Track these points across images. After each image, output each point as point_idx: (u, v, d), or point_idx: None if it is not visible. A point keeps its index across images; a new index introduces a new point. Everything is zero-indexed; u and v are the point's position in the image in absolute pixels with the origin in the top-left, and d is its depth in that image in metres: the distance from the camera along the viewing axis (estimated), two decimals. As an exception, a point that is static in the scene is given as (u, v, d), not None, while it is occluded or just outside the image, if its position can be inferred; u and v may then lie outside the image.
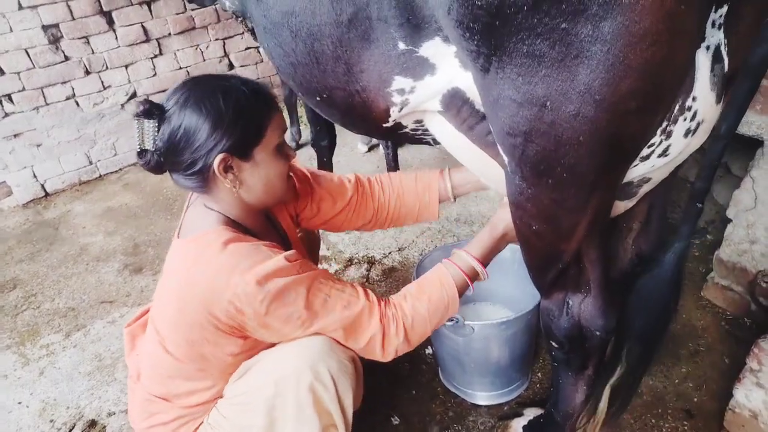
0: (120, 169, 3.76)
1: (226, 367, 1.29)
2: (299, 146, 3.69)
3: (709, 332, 1.99)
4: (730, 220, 1.91)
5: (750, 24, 0.96)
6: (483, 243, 1.38)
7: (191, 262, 1.18)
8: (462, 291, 1.33)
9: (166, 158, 1.18)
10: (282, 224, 1.50)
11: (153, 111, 1.14)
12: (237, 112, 1.16)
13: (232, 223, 1.26)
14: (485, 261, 1.37)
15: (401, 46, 1.08)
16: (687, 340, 1.96)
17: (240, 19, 2.92)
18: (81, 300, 2.58)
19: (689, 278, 2.21)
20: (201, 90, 1.16)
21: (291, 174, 1.36)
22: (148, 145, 1.17)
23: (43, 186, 3.51)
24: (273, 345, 1.28)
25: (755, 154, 1.75)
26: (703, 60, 0.93)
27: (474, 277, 1.35)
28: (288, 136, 3.45)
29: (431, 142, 1.44)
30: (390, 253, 2.64)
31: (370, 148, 3.53)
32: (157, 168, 1.20)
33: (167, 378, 1.31)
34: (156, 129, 1.15)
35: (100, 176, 3.71)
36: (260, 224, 1.37)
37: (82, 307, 2.53)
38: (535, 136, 0.93)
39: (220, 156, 1.15)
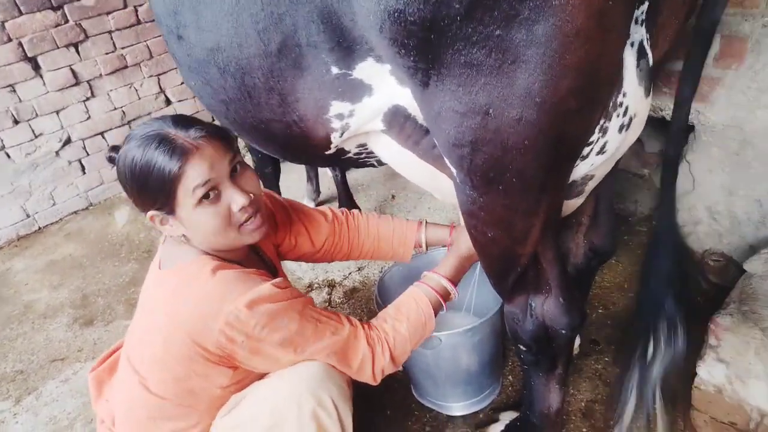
0: (60, 219, 3.59)
1: (213, 400, 1.24)
2: (318, 204, 3.38)
3: (666, 315, 2.04)
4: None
5: (667, 18, 1.01)
6: (451, 263, 1.42)
7: (177, 292, 1.16)
8: (436, 310, 1.35)
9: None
10: (266, 253, 1.48)
11: (113, 157, 1.19)
12: (145, 174, 1.11)
13: (211, 254, 1.23)
14: (454, 280, 1.41)
15: (334, 70, 1.07)
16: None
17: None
18: (29, 361, 2.43)
19: (638, 265, 2.28)
20: (128, 146, 1.15)
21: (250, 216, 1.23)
22: None
23: (-23, 245, 3.32)
24: (263, 376, 1.25)
25: (688, 138, 1.83)
26: (628, 56, 0.97)
27: (446, 296, 1.38)
28: (306, 191, 3.27)
29: (375, 164, 1.44)
30: (350, 274, 2.61)
31: (318, 204, 3.37)
32: None
33: (148, 420, 1.25)
34: None
35: (40, 228, 3.53)
36: (243, 254, 1.33)
37: (32, 368, 2.39)
38: (482, 145, 0.94)
39: (149, 213, 1.17)
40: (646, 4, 0.94)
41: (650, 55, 1.01)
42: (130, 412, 1.28)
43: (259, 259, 1.43)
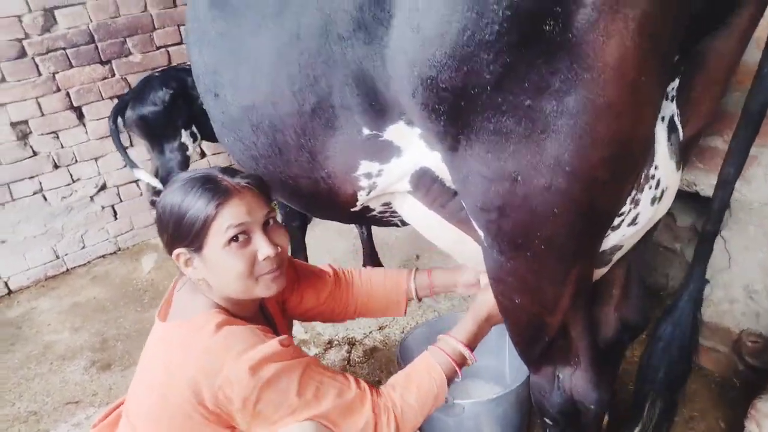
0: (88, 262, 3.65)
1: None
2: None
3: (700, 396, 1.95)
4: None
5: (700, 94, 1.01)
6: (468, 327, 1.36)
7: (180, 346, 1.15)
8: (450, 378, 1.30)
9: None
10: (270, 310, 1.47)
11: (154, 201, 1.23)
12: (184, 208, 1.16)
13: (222, 309, 1.23)
14: (471, 345, 1.34)
15: (365, 131, 1.10)
16: (679, 407, 1.91)
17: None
18: (44, 402, 2.42)
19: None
20: (169, 190, 1.20)
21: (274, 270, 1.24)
22: None
23: (6, 283, 3.37)
24: None
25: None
26: (660, 131, 0.97)
27: (462, 362, 1.32)
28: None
29: (398, 223, 1.44)
30: (371, 332, 2.57)
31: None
32: None
33: None
34: None
35: (67, 270, 3.59)
36: (253, 311, 1.34)
37: (45, 410, 2.37)
38: (510, 210, 0.93)
39: (176, 251, 1.19)
40: (677, 81, 0.95)
41: (681, 130, 1.01)
42: None
43: (263, 315, 1.42)
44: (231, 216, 1.16)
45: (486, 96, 0.82)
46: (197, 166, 3.21)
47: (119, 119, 3.06)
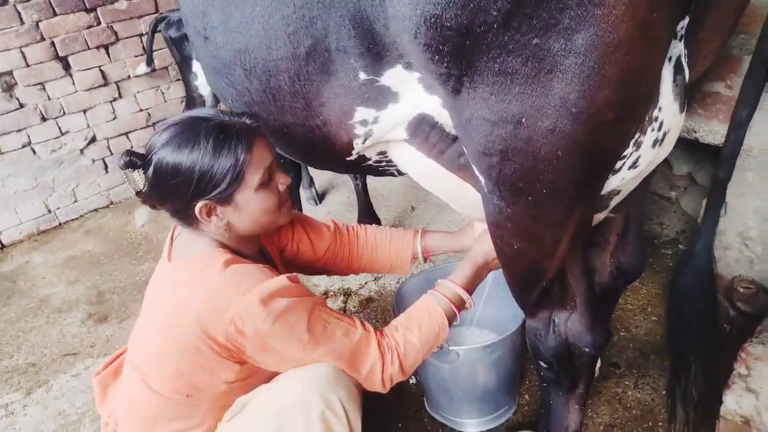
0: (81, 216, 3.63)
1: (218, 398, 1.23)
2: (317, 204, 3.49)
3: (690, 342, 1.99)
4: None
5: (708, 35, 0.98)
6: (466, 271, 1.37)
7: (189, 283, 1.16)
8: (450, 320, 1.32)
9: (154, 202, 1.21)
10: (271, 255, 1.48)
11: (134, 161, 1.17)
12: (209, 162, 1.13)
13: (226, 248, 1.24)
14: (469, 289, 1.36)
15: (362, 76, 1.07)
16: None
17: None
18: (42, 354, 2.44)
19: (666, 288, 2.23)
20: (176, 140, 1.14)
21: (287, 200, 1.31)
22: (140, 188, 1.19)
23: (-2, 238, 3.36)
24: (270, 375, 1.24)
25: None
26: (666, 71, 0.95)
27: (460, 305, 1.34)
28: (306, 196, 3.35)
29: (395, 173, 1.42)
30: (366, 283, 2.59)
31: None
32: (152, 207, 1.24)
33: (150, 420, 1.24)
34: (142, 175, 1.18)
35: (60, 224, 3.57)
36: (255, 251, 1.35)
37: (44, 361, 2.39)
38: (512, 154, 0.92)
39: (200, 204, 1.16)
40: (687, 19, 0.92)
41: (687, 71, 0.99)
42: (133, 411, 1.27)
43: (265, 259, 1.43)
44: (260, 160, 1.18)
45: (492, 35, 0.80)
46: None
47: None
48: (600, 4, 0.72)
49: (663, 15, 0.77)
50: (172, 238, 1.31)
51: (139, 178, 1.17)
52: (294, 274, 1.22)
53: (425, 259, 1.62)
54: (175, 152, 1.13)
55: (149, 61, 3.31)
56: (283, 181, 1.25)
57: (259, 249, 1.39)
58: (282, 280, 1.15)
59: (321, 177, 3.61)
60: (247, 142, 1.16)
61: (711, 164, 2.37)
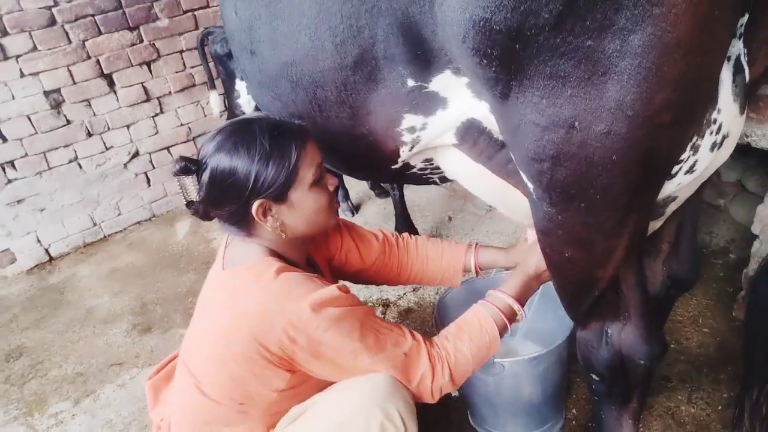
0: (124, 229, 3.73)
1: (270, 405, 1.23)
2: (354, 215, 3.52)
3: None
4: (755, 237, 1.86)
5: (768, 33, 0.94)
6: (517, 282, 1.34)
7: (242, 291, 1.16)
8: (502, 332, 1.28)
9: (210, 207, 1.21)
10: (319, 265, 1.48)
11: (189, 167, 1.18)
12: (265, 159, 1.14)
13: (277, 256, 1.25)
14: (521, 300, 1.32)
15: (410, 83, 1.06)
16: (725, 364, 1.88)
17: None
18: (89, 365, 2.50)
19: (718, 299, 2.15)
20: (231, 141, 1.16)
21: (336, 202, 1.33)
22: (193, 197, 1.20)
23: (47, 250, 3.47)
24: (321, 384, 1.23)
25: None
26: (725, 71, 0.91)
27: (511, 316, 1.30)
28: (342, 208, 3.38)
29: (437, 181, 1.41)
30: (405, 294, 2.58)
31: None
32: (205, 216, 1.24)
33: (204, 424, 1.25)
34: (196, 182, 1.19)
35: (105, 237, 3.67)
36: (302, 261, 1.35)
37: (91, 371, 2.45)
38: (564, 160, 0.90)
39: (257, 203, 1.16)
40: (747, 16, 0.89)
41: (747, 71, 0.95)
42: (186, 416, 1.28)
43: (313, 268, 1.43)
44: (313, 157, 1.20)
45: (543, 37, 0.78)
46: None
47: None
48: (658, 3, 0.70)
49: (724, 12, 0.74)
50: (225, 246, 1.32)
51: (191, 185, 1.18)
52: (344, 284, 1.22)
53: (476, 274, 1.59)
54: (231, 152, 1.14)
55: (212, 85, 3.19)
56: (332, 182, 1.27)
57: (307, 258, 1.40)
58: (333, 289, 1.15)
59: (357, 188, 3.62)
60: (301, 139, 1.18)
61: (762, 170, 2.28)
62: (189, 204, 1.21)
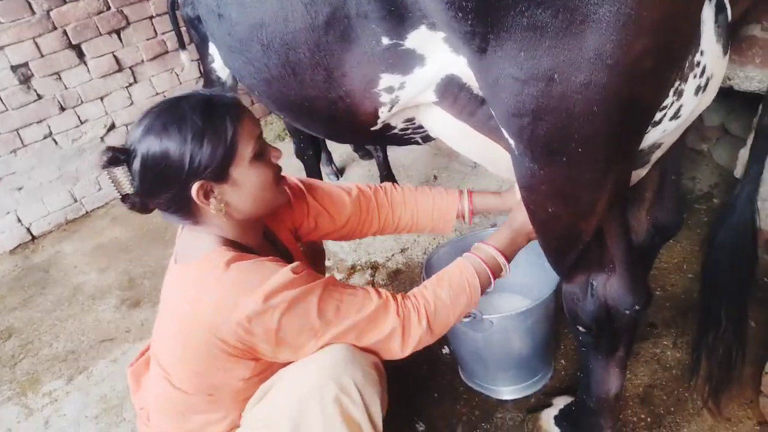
0: (106, 204, 3.67)
1: (237, 393, 1.23)
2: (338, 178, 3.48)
3: (729, 298, 1.94)
4: (737, 181, 1.86)
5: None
6: (503, 236, 1.32)
7: (193, 287, 1.13)
8: (484, 283, 1.26)
9: (146, 198, 1.14)
10: (282, 239, 1.44)
11: (117, 157, 1.10)
12: (198, 137, 1.08)
13: (230, 243, 1.20)
14: (507, 255, 1.30)
15: (385, 41, 1.02)
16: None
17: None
18: (80, 342, 2.49)
19: (700, 245, 2.17)
20: (160, 122, 1.09)
21: (282, 176, 1.28)
22: (127, 189, 1.13)
23: (28, 229, 3.41)
24: (287, 364, 1.22)
25: (757, 110, 1.70)
26: (706, 10, 0.89)
27: (496, 270, 1.28)
28: (326, 172, 3.32)
29: (419, 140, 1.38)
30: (393, 255, 2.58)
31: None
32: (143, 209, 1.18)
33: (178, 414, 1.25)
34: (127, 172, 1.11)
35: (87, 213, 3.62)
36: (259, 242, 1.31)
37: (82, 348, 2.45)
38: (544, 113, 0.88)
39: (196, 185, 1.10)
40: (728, -48, 0.86)
41: (729, 9, 0.92)
42: (160, 406, 1.28)
43: (273, 247, 1.40)
44: (251, 129, 1.15)
45: (520, -14, 0.75)
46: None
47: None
48: (637, -57, 0.67)
49: (705, -49, 0.71)
50: (178, 236, 1.28)
51: (123, 176, 1.10)
52: (298, 263, 1.17)
53: (469, 221, 1.57)
54: (161, 134, 1.08)
55: (182, 45, 3.04)
56: (275, 155, 1.22)
57: (265, 236, 1.36)
58: (286, 273, 1.11)
59: (340, 151, 3.58)
60: (235, 112, 1.12)
61: (745, 113, 2.27)
62: (124, 198, 1.14)
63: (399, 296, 1.22)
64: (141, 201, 1.15)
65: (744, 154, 1.80)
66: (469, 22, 0.84)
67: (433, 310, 1.20)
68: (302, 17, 1.07)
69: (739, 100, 2.29)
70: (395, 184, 1.61)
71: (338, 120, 1.26)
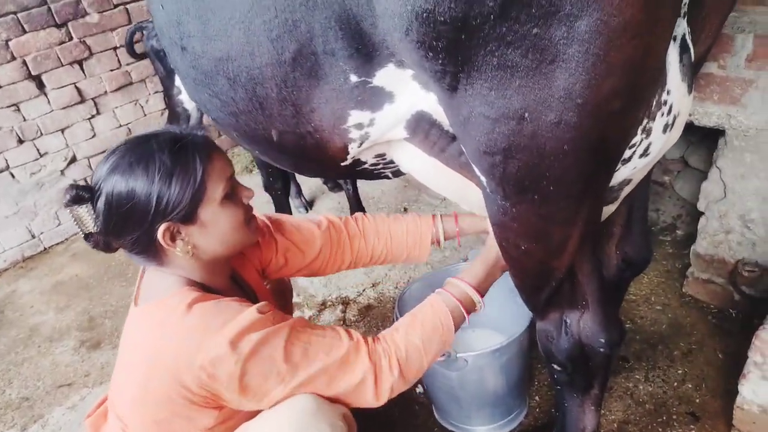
0: (66, 239, 3.54)
1: None
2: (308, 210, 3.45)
3: (697, 329, 1.96)
4: (701, 214, 1.90)
5: (710, 11, 0.95)
6: (477, 271, 1.29)
7: (155, 330, 1.07)
8: (458, 322, 1.23)
9: (110, 238, 1.10)
10: (248, 280, 1.38)
11: (81, 195, 1.06)
12: (167, 177, 1.04)
13: (195, 285, 1.15)
14: (481, 290, 1.27)
15: (353, 78, 1.01)
16: (677, 340, 1.93)
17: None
18: (35, 387, 2.36)
19: (668, 276, 2.20)
20: (126, 160, 1.05)
21: (253, 216, 1.24)
22: (90, 228, 1.08)
23: (-18, 267, 3.26)
24: (252, 414, 1.15)
25: (717, 144, 1.75)
26: (672, 51, 0.90)
27: (469, 306, 1.25)
28: (295, 205, 3.29)
29: (389, 175, 1.37)
30: (364, 290, 2.54)
31: None
32: (106, 248, 1.13)
33: None
34: (91, 211, 1.07)
35: (45, 249, 3.48)
36: (226, 283, 1.26)
37: (38, 395, 2.31)
38: (516, 152, 0.87)
39: (162, 227, 1.06)
40: (689, -6, 0.88)
41: (692, 49, 0.95)
42: None
43: (239, 287, 1.34)
44: (222, 169, 1.11)
45: (489, 26, 0.75)
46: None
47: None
48: (604, -15, 0.67)
49: (669, -7, 0.73)
50: (141, 277, 1.22)
51: (87, 215, 1.07)
52: (265, 303, 1.13)
53: (439, 244, 1.54)
54: (127, 173, 1.04)
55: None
56: (247, 194, 1.18)
57: (232, 278, 1.31)
58: (251, 313, 1.06)
59: (310, 183, 3.55)
60: (206, 152, 1.09)
61: (705, 146, 2.34)
62: (87, 237, 1.10)
63: (370, 339, 1.17)
64: (104, 241, 1.11)
65: (706, 186, 1.84)
66: (440, 61, 0.83)
67: (404, 356, 1.15)
68: (269, 52, 1.06)
69: (699, 135, 2.37)
70: (366, 214, 1.58)
71: (307, 155, 1.24)
